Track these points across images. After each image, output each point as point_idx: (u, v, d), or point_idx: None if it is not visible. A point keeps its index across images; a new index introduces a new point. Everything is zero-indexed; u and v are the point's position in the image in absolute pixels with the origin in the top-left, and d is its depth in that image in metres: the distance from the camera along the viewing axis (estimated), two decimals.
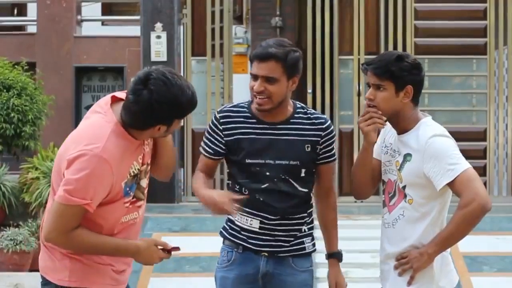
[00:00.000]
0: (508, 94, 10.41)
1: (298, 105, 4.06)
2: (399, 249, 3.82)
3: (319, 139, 4.00)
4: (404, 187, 3.78)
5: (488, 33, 10.48)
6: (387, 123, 3.85)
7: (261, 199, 3.96)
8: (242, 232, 4.01)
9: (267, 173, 3.94)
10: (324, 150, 4.03)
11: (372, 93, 3.79)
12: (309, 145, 3.99)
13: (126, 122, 3.46)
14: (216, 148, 4.01)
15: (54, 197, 3.43)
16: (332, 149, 4.07)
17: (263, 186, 3.95)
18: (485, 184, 10.35)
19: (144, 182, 3.62)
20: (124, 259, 3.63)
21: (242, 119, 3.98)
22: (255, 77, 3.90)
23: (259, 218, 3.98)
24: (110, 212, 3.48)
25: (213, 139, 4.02)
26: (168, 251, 3.61)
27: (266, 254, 4.02)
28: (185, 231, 8.75)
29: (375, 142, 3.89)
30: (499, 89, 10.52)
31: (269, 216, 3.98)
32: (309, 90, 10.46)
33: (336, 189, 10.37)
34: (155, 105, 3.38)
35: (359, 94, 10.36)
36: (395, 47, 10.31)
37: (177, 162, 10.36)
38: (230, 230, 4.07)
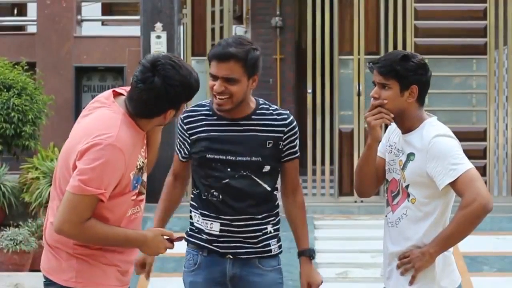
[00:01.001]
0: (508, 94, 10.41)
1: (261, 102, 4.03)
2: (402, 249, 3.81)
3: (281, 135, 3.97)
4: (407, 186, 3.78)
5: (488, 33, 10.48)
6: (392, 122, 3.85)
7: (221, 197, 3.93)
8: (205, 235, 3.98)
9: (228, 169, 3.92)
10: (287, 146, 4.00)
11: (377, 91, 3.80)
12: (271, 141, 3.96)
13: (135, 112, 3.48)
14: (184, 148, 4.05)
15: (66, 188, 3.40)
16: (296, 145, 4.04)
17: (224, 181, 3.92)
18: (485, 184, 10.34)
19: (145, 176, 3.63)
20: (129, 258, 3.63)
21: (203, 117, 3.98)
22: (214, 77, 3.84)
23: (219, 221, 3.95)
24: (118, 206, 3.49)
25: (182, 140, 4.04)
26: (172, 241, 3.62)
27: (231, 256, 3.98)
28: (185, 231, 8.75)
29: (380, 139, 3.89)
30: (499, 89, 10.52)
31: (229, 217, 3.94)
32: (309, 90, 10.45)
33: (337, 189, 10.39)
34: (169, 88, 3.43)
35: (359, 94, 10.36)
36: (395, 47, 10.31)
37: None
38: (192, 233, 4.04)
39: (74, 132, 3.54)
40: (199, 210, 4.01)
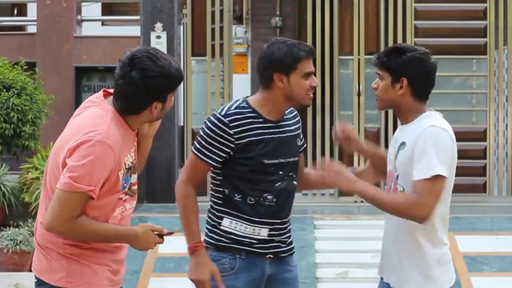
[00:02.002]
0: (508, 94, 10.40)
1: None
2: (398, 242, 3.82)
3: (300, 130, 4.08)
4: (397, 176, 3.80)
5: (488, 33, 10.47)
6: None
7: (275, 200, 3.92)
8: (245, 240, 3.93)
9: (280, 172, 3.92)
10: (302, 140, 4.10)
11: (376, 81, 3.87)
12: (298, 139, 4.05)
13: (121, 109, 3.49)
14: (223, 154, 3.88)
15: (56, 185, 3.40)
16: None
17: (276, 185, 3.92)
18: (485, 184, 10.35)
19: (134, 178, 3.63)
20: (120, 258, 3.63)
21: (250, 120, 3.89)
22: (309, 74, 3.91)
23: (268, 226, 3.93)
24: (105, 206, 3.49)
25: (218, 144, 3.87)
26: (161, 236, 3.63)
27: (272, 256, 3.98)
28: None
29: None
30: (499, 89, 10.51)
31: (280, 220, 3.96)
32: None
33: (337, 189, 10.38)
34: (147, 80, 3.43)
35: (359, 94, 10.36)
36: None
37: (177, 162, 10.36)
38: (226, 240, 3.94)
39: (64, 131, 3.55)
40: (242, 215, 3.92)
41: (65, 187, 3.36)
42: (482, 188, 10.36)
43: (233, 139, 3.86)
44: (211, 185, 4.01)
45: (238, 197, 3.91)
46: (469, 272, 7.89)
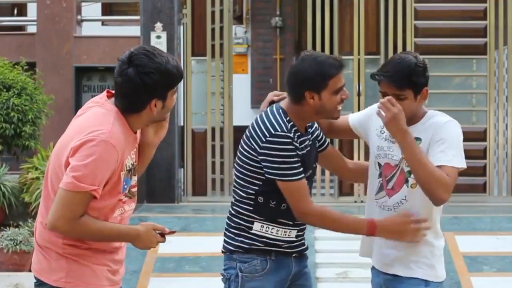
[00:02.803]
0: (508, 94, 10.40)
1: None
2: None
3: (317, 131, 4.12)
4: (409, 171, 3.82)
5: (488, 33, 10.48)
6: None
7: None
8: (276, 242, 3.98)
9: (308, 181, 3.99)
10: (321, 136, 4.12)
11: (391, 100, 3.80)
12: (316, 141, 4.08)
13: (122, 107, 3.49)
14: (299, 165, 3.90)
15: (59, 185, 3.39)
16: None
17: None
18: (485, 184, 10.35)
19: (134, 180, 3.63)
20: (119, 258, 3.63)
21: (295, 134, 3.90)
22: (341, 89, 4.08)
23: (296, 228, 4.01)
24: (105, 207, 3.48)
25: (296, 158, 3.86)
26: (163, 235, 3.64)
27: (297, 255, 4.06)
28: (185, 231, 8.75)
29: None
30: (499, 89, 10.52)
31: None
32: None
33: (337, 189, 10.40)
34: (143, 76, 3.43)
35: (359, 94, 10.34)
36: (395, 47, 10.31)
37: (178, 162, 10.36)
38: (258, 244, 3.97)
39: (67, 131, 3.54)
40: (275, 219, 3.96)
41: (68, 187, 3.36)
42: (482, 188, 10.36)
43: (299, 153, 3.89)
44: (239, 192, 3.98)
45: (273, 203, 3.94)
46: (469, 272, 7.90)
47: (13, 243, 8.25)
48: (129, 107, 3.49)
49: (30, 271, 8.23)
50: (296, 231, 4.01)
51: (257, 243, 3.96)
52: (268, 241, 3.96)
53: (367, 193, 4.08)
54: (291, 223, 3.98)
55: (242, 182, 3.96)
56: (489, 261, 8.13)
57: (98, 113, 3.48)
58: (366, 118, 4.05)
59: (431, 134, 3.79)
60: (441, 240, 3.94)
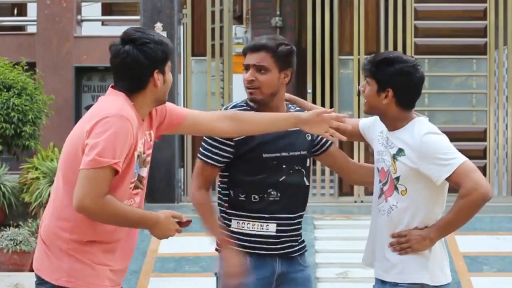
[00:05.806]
0: (508, 94, 10.40)
1: (289, 104, 4.11)
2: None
3: None
4: (397, 178, 3.83)
5: (488, 33, 10.48)
6: None
7: (279, 195, 3.92)
8: (255, 238, 3.96)
9: (283, 166, 3.92)
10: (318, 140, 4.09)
11: (364, 84, 3.91)
12: (309, 135, 4.02)
13: (127, 88, 3.50)
14: (226, 154, 3.92)
15: (80, 167, 3.36)
16: None
17: (280, 179, 3.92)
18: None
19: (144, 172, 3.61)
20: (121, 258, 3.62)
21: None
22: (246, 67, 3.97)
23: (275, 221, 3.94)
24: (121, 194, 3.46)
25: (220, 145, 3.92)
26: (180, 224, 3.63)
27: (282, 255, 4.00)
28: (185, 231, 8.70)
29: None
30: (499, 89, 10.51)
31: (287, 216, 3.96)
32: (309, 90, 10.45)
33: (337, 189, 10.39)
34: (141, 48, 3.49)
35: (359, 94, 10.35)
36: (395, 47, 10.31)
37: (177, 162, 10.36)
38: (237, 241, 3.96)
39: (78, 123, 3.55)
40: (248, 214, 3.95)
41: (90, 165, 3.33)
42: None
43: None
44: (219, 189, 4.04)
45: (242, 196, 3.94)
46: (469, 272, 7.90)
47: (13, 243, 8.25)
48: (133, 85, 3.50)
49: (30, 271, 8.25)
50: (275, 225, 3.94)
51: (237, 241, 3.95)
52: (247, 237, 3.94)
53: (373, 197, 4.09)
54: (264, 215, 3.93)
55: (218, 178, 4.02)
56: (489, 261, 8.14)
57: (107, 99, 3.52)
58: (373, 124, 4.04)
59: (417, 151, 3.76)
60: (442, 243, 3.93)
